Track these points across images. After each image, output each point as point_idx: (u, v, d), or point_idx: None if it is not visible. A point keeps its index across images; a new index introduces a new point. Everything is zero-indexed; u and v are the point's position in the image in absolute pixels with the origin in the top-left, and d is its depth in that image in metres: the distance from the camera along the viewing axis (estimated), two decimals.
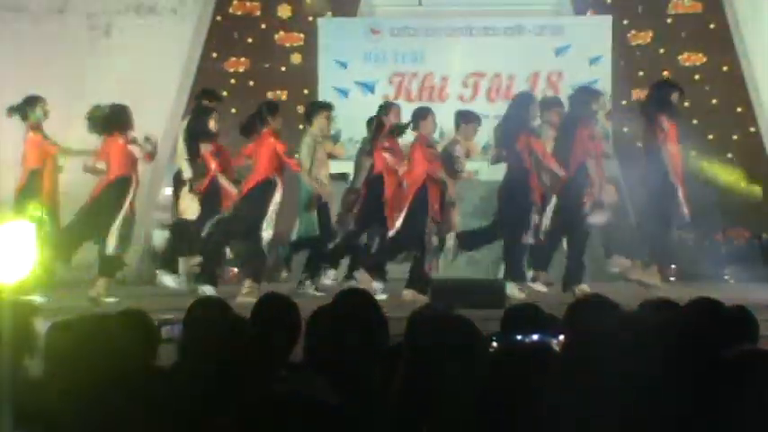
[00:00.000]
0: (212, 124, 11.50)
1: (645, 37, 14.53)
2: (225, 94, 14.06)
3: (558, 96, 12.90)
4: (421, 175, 11.08)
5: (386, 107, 11.69)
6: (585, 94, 11.72)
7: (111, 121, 10.97)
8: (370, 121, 11.72)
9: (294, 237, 11.65)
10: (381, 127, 11.27)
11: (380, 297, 10.86)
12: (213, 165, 11.48)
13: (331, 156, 11.69)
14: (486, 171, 12.11)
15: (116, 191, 10.87)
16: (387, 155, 11.34)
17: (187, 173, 11.62)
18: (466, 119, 11.97)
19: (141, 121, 12.06)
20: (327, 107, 11.89)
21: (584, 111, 11.55)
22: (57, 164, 11.44)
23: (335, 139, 12.41)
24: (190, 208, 11.56)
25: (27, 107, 11.36)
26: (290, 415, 2.42)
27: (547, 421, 2.78)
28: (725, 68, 14.34)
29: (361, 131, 12.32)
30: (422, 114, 11.68)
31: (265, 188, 11.12)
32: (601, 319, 4.02)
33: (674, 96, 11.40)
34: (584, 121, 11.41)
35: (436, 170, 11.09)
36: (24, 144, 11.36)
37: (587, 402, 2.77)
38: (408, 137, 11.59)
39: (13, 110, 11.38)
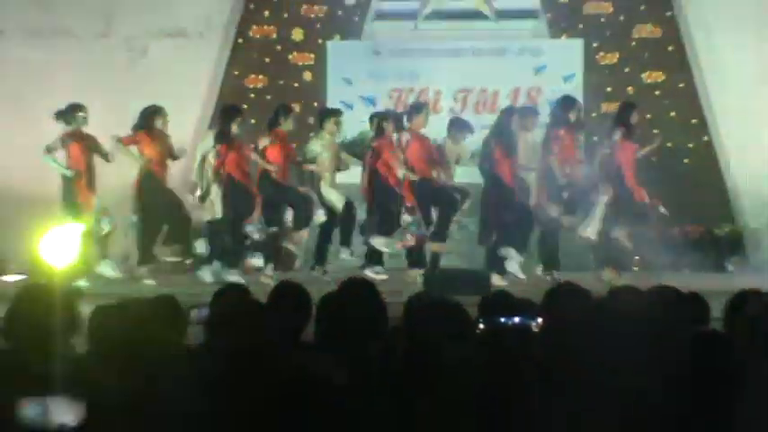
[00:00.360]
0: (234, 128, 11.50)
1: (612, 58, 14.51)
2: (245, 107, 14.05)
3: (534, 106, 12.91)
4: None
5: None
6: (561, 104, 11.79)
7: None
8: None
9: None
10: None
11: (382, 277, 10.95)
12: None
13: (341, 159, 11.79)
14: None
15: None
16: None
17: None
18: (456, 127, 12.01)
19: (172, 131, 12.09)
20: (337, 113, 11.98)
21: (558, 118, 11.62)
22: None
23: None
24: (211, 209, 11.58)
25: (69, 113, 11.37)
26: (301, 388, 2.42)
27: (532, 391, 2.77)
28: (681, 85, 14.33)
29: None
30: (416, 108, 11.78)
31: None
32: (576, 304, 4.02)
33: (633, 117, 11.52)
34: (553, 127, 11.50)
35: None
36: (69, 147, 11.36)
37: (567, 378, 2.77)
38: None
39: (59, 115, 11.38)
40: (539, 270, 11.65)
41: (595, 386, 2.82)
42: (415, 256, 11.66)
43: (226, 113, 11.65)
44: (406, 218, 11.61)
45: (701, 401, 2.86)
